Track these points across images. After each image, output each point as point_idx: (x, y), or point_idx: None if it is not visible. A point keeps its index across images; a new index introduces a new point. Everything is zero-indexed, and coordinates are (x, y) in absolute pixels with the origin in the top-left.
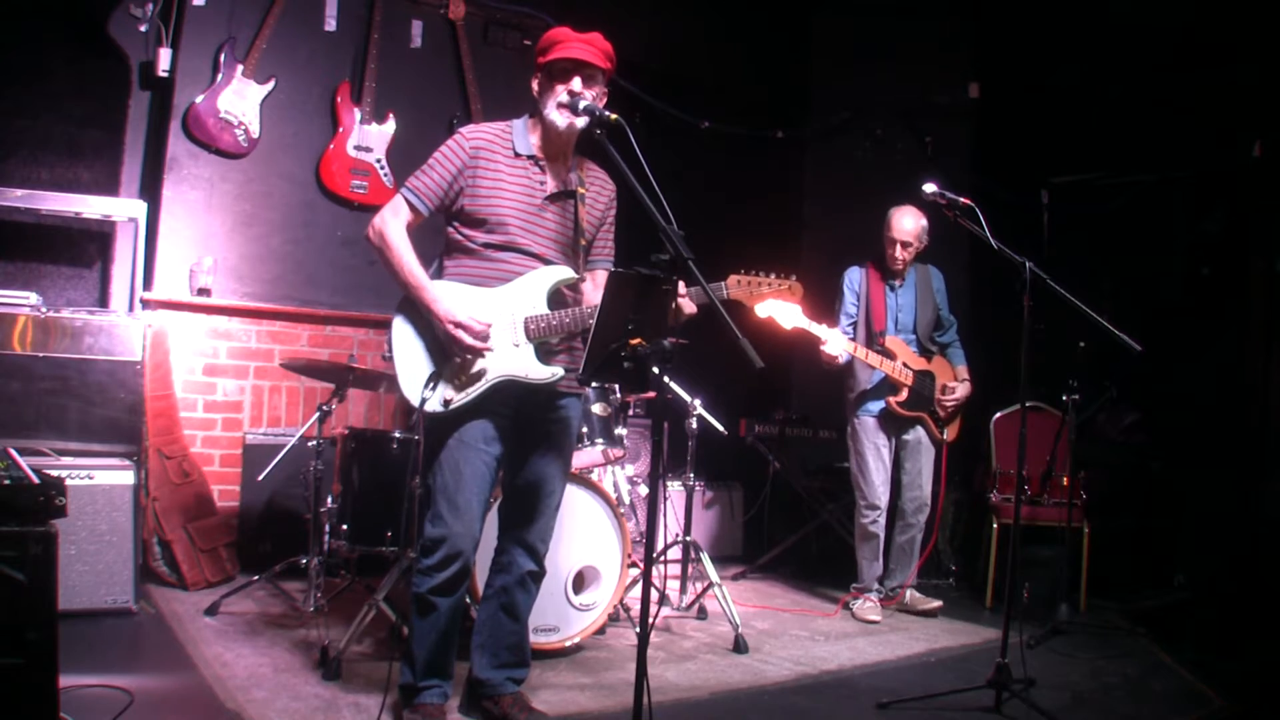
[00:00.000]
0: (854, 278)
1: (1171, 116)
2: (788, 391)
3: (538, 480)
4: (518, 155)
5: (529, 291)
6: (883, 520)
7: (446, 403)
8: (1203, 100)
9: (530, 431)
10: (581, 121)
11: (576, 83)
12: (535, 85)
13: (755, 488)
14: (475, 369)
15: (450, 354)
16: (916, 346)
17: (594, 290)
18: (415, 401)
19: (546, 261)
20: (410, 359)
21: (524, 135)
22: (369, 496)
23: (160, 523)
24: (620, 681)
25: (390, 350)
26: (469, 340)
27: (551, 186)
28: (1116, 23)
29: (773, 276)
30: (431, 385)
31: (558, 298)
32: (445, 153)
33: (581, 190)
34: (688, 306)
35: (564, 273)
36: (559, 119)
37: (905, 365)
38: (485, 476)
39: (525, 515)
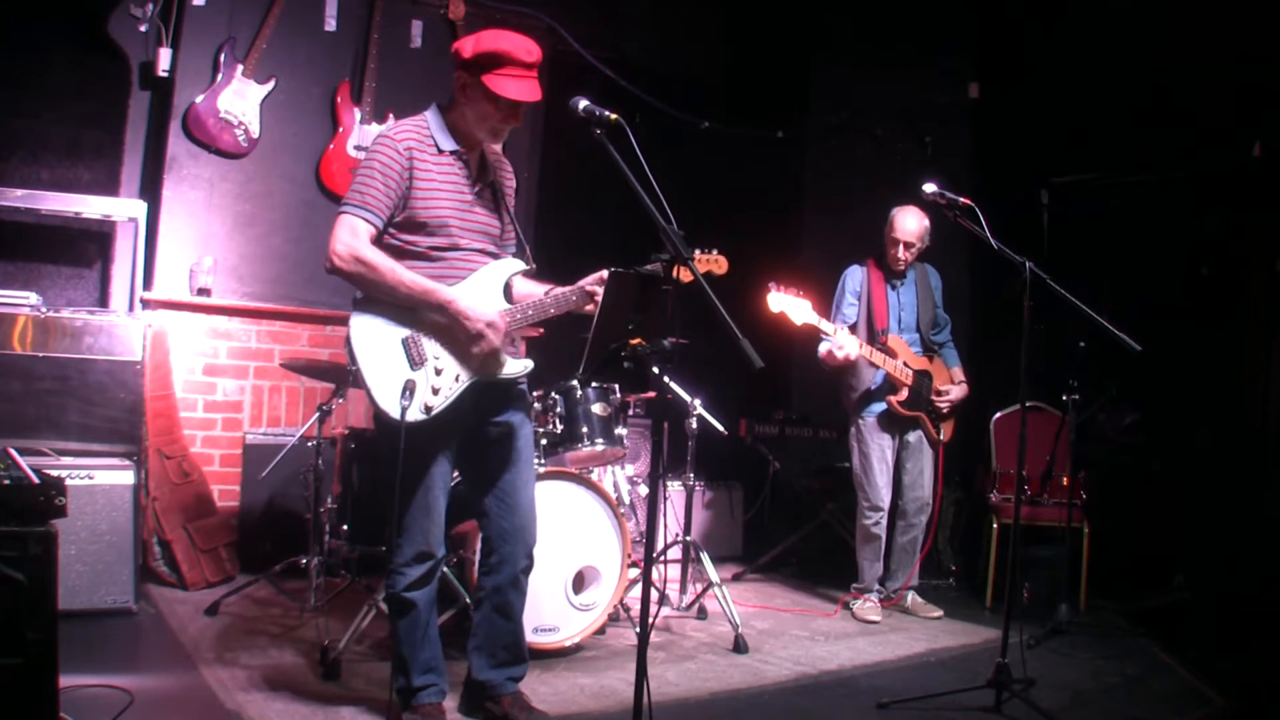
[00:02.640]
0: (855, 277)
1: (1171, 116)
2: (788, 391)
3: (512, 476)
4: (441, 152)
5: (487, 287)
6: (885, 521)
7: (428, 409)
8: (1203, 100)
9: (495, 429)
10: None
11: (511, 126)
12: (464, 89)
13: (755, 488)
14: (453, 371)
15: (467, 353)
16: (919, 346)
17: (523, 279)
18: (395, 414)
19: (490, 255)
20: (381, 367)
21: (443, 131)
22: (369, 496)
23: (160, 523)
24: (620, 681)
25: (353, 359)
26: (497, 342)
27: (476, 179)
28: (1116, 23)
29: (698, 251)
30: (408, 394)
31: (508, 290)
32: (384, 160)
33: (494, 178)
34: None
35: (516, 265)
36: (491, 139)
37: (905, 365)
38: (449, 475)
39: (508, 513)
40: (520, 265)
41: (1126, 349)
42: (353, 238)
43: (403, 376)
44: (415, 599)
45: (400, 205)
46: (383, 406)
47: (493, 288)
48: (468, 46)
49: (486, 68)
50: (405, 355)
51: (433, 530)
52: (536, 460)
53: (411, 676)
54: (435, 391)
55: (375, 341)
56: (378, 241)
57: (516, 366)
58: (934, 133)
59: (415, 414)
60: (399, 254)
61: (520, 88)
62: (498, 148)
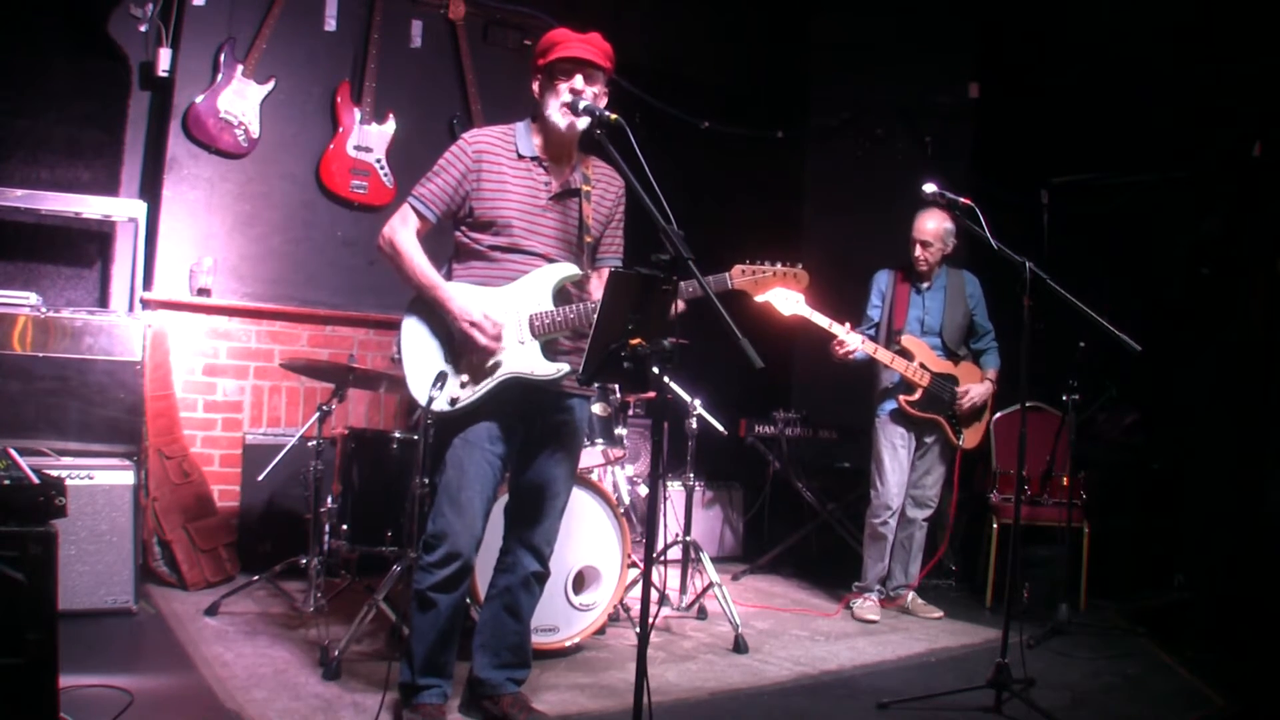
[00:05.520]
0: (881, 280)
1: (1171, 116)
2: (788, 391)
3: (544, 481)
4: (521, 157)
5: (534, 289)
6: (894, 522)
7: (453, 401)
8: (1203, 100)
9: (537, 432)
10: (582, 122)
11: (579, 80)
12: (535, 87)
13: (755, 488)
14: (482, 367)
15: (465, 351)
16: (942, 351)
17: (600, 287)
18: (422, 401)
19: (551, 261)
20: (419, 359)
21: (526, 137)
22: (369, 496)
23: (160, 523)
24: (620, 681)
25: (399, 350)
26: (483, 339)
27: (555, 186)
28: (1116, 23)
29: (778, 265)
30: (439, 384)
31: (563, 295)
32: (449, 159)
33: (586, 188)
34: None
35: (568, 270)
36: (560, 119)
37: (923, 366)
38: (489, 476)
39: (531, 516)
40: (572, 270)
41: (1126, 349)
42: (401, 224)
43: (436, 369)
44: (438, 600)
45: (461, 203)
46: (414, 395)
47: (539, 291)
48: (533, 53)
49: (544, 53)
50: (442, 350)
51: (463, 531)
52: None
53: (416, 674)
54: (464, 385)
55: (419, 337)
56: (432, 235)
57: (549, 369)
58: (934, 133)
59: (442, 404)
60: (462, 251)
61: (573, 47)
62: (606, 167)
